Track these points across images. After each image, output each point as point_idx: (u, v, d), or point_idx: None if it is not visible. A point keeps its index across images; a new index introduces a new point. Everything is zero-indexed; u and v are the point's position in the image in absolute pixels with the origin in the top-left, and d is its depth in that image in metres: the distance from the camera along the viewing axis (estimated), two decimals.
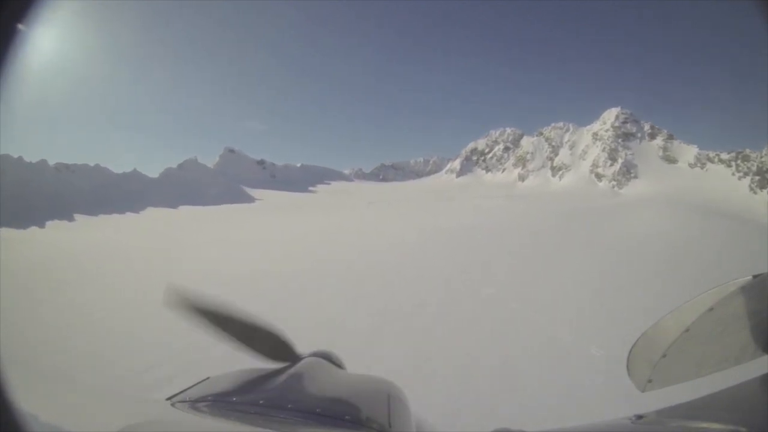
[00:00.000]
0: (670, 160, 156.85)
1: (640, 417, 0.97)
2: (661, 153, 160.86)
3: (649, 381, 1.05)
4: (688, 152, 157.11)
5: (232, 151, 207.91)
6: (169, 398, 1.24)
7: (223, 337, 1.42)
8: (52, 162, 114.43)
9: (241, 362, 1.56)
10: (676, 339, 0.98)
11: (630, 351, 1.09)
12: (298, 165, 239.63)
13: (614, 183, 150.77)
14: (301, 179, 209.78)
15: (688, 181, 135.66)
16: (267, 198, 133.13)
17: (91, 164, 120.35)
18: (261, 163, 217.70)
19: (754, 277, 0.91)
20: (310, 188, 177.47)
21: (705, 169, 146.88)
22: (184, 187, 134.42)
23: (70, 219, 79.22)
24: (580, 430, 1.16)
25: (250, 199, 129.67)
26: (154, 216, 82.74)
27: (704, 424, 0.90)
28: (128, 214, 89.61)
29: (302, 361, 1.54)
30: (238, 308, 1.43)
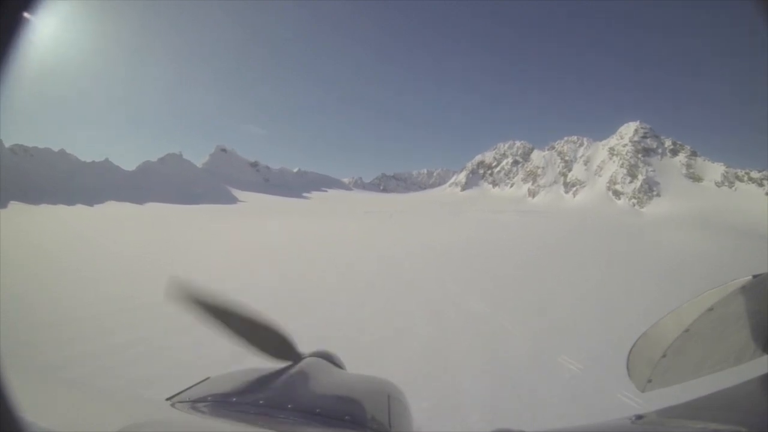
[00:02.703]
0: (695, 178, 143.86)
1: (640, 417, 0.97)
2: (684, 170, 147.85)
3: (649, 381, 1.05)
4: (714, 170, 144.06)
5: (224, 150, 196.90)
6: (169, 398, 1.24)
7: (225, 332, 1.39)
8: (10, 143, 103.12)
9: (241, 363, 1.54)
10: (676, 339, 0.98)
11: (630, 351, 1.09)
12: (295, 170, 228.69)
13: (635, 201, 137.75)
14: (296, 184, 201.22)
15: (715, 200, 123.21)
16: (253, 201, 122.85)
17: (55, 149, 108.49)
18: (254, 165, 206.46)
19: (754, 277, 0.90)
20: (305, 194, 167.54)
21: (734, 189, 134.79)
22: (161, 183, 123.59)
23: (3, 206, 67.90)
24: (580, 430, 1.16)
25: (233, 200, 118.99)
26: (106, 211, 71.44)
27: (704, 424, 0.90)
28: (79, 206, 78.20)
29: (302, 362, 1.53)
30: (240, 304, 1.40)
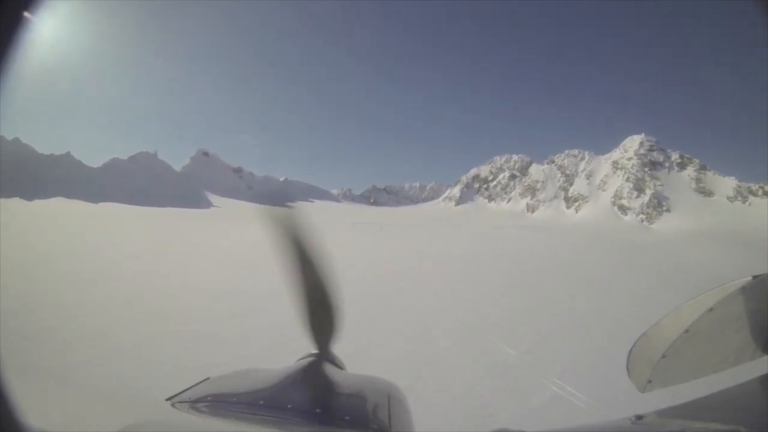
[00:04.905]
0: (706, 192, 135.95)
1: (640, 417, 0.96)
2: (694, 185, 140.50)
3: (649, 381, 1.04)
4: (725, 184, 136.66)
5: (206, 154, 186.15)
6: (169, 398, 1.22)
7: (293, 279, 1.35)
8: None
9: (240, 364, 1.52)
10: (676, 339, 0.97)
11: (630, 351, 1.07)
12: (281, 178, 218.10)
13: (643, 217, 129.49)
14: (281, 193, 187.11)
15: (729, 215, 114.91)
16: (228, 207, 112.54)
17: (9, 138, 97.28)
18: (238, 171, 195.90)
19: (754, 277, 0.89)
20: (289, 204, 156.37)
21: (748, 203, 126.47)
22: (128, 183, 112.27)
23: None
24: (580, 430, 1.15)
25: (206, 205, 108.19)
26: (40, 208, 60.59)
27: (704, 424, 0.89)
28: (15, 199, 66.90)
29: (302, 362, 1.52)
30: (328, 267, 1.34)
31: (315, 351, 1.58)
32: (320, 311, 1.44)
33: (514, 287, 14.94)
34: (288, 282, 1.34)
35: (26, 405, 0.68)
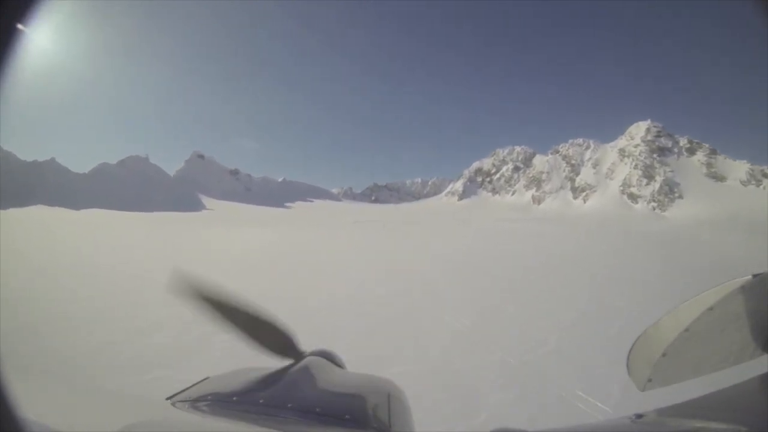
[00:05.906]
0: (718, 177, 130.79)
1: (640, 416, 0.96)
2: (704, 170, 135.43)
3: (649, 380, 1.04)
4: (737, 168, 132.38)
5: (201, 156, 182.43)
6: (169, 398, 1.23)
7: (228, 327, 1.40)
8: None
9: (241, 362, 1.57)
10: (676, 338, 0.97)
11: (630, 350, 1.08)
12: (279, 179, 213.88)
13: (655, 204, 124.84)
14: (280, 194, 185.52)
15: (744, 200, 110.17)
16: (221, 209, 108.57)
17: None
18: (235, 173, 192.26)
19: (754, 276, 0.89)
20: (287, 204, 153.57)
21: (762, 187, 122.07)
22: (117, 188, 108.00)
23: None
24: (580, 430, 1.18)
25: (198, 209, 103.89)
26: (19, 216, 56.53)
27: (704, 424, 0.89)
28: None
29: (302, 361, 1.53)
30: (244, 300, 1.40)
31: (310, 353, 1.58)
32: (266, 333, 1.47)
33: (559, 293, 11.44)
34: (226, 331, 1.38)
35: (26, 404, 0.68)
